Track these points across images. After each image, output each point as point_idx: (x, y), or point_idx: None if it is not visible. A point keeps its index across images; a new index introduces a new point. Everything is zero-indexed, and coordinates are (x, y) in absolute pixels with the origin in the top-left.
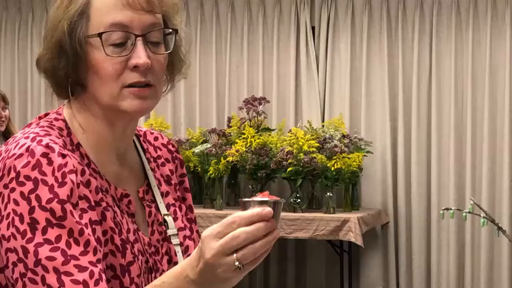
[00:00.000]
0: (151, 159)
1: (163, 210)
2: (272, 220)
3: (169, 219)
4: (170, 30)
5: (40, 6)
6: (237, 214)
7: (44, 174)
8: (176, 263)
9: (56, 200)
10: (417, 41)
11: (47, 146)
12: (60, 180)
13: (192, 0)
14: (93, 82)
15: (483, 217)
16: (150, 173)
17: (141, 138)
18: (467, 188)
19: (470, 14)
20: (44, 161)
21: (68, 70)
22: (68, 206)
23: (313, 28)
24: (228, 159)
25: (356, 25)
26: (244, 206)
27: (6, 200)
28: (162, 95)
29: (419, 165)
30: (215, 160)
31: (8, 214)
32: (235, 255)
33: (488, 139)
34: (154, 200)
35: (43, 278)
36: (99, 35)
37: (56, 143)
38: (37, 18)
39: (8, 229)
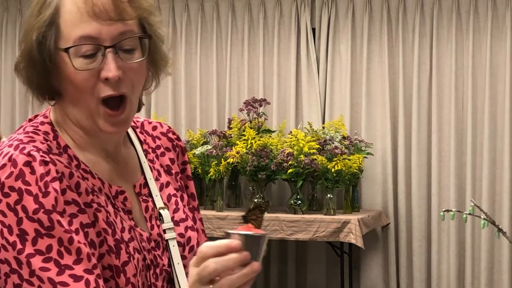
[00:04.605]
0: (149, 150)
1: (159, 204)
2: (246, 253)
3: (165, 213)
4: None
5: None
6: (207, 244)
7: (28, 184)
8: (183, 256)
9: (42, 210)
10: (418, 43)
11: (29, 154)
12: (43, 190)
13: (192, 1)
14: (69, 92)
15: (484, 218)
16: (146, 166)
17: (138, 130)
18: (467, 189)
19: (470, 15)
20: (27, 170)
21: (40, 80)
22: (55, 216)
23: (313, 30)
24: (228, 160)
25: (357, 27)
26: (228, 238)
27: None
28: (147, 92)
29: (419, 167)
30: (216, 162)
31: None
32: (211, 286)
33: (489, 140)
34: (151, 194)
35: None
36: (66, 50)
37: (39, 150)
38: None
39: None
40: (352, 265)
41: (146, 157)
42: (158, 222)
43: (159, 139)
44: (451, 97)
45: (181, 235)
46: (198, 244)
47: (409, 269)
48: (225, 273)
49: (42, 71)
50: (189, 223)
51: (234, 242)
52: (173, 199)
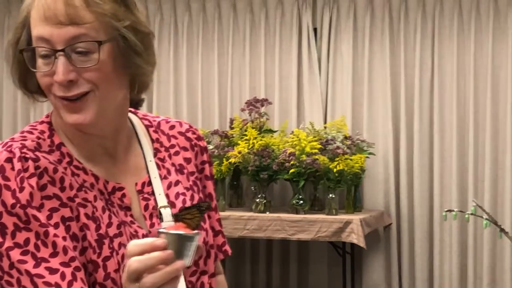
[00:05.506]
0: (162, 149)
1: (161, 203)
2: (169, 252)
3: (165, 211)
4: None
5: None
6: (134, 243)
7: (7, 179)
8: None
9: (18, 205)
10: (419, 43)
11: (11, 151)
12: (19, 185)
13: (194, 2)
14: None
15: (486, 219)
16: (152, 165)
17: (152, 129)
18: (469, 189)
19: (472, 15)
20: (8, 166)
21: (20, 80)
22: (30, 210)
23: (315, 30)
24: (230, 160)
25: (358, 27)
26: (158, 236)
27: None
28: (132, 95)
29: (421, 167)
30: (218, 162)
31: None
32: (137, 284)
33: (491, 140)
34: (154, 192)
35: (18, 281)
36: (21, 51)
37: (24, 147)
38: None
39: None
40: (354, 265)
41: (156, 155)
42: (159, 221)
43: (176, 138)
44: (452, 97)
45: None
46: (205, 244)
47: (411, 269)
48: (149, 271)
49: (18, 71)
50: None
51: (159, 240)
52: (181, 197)
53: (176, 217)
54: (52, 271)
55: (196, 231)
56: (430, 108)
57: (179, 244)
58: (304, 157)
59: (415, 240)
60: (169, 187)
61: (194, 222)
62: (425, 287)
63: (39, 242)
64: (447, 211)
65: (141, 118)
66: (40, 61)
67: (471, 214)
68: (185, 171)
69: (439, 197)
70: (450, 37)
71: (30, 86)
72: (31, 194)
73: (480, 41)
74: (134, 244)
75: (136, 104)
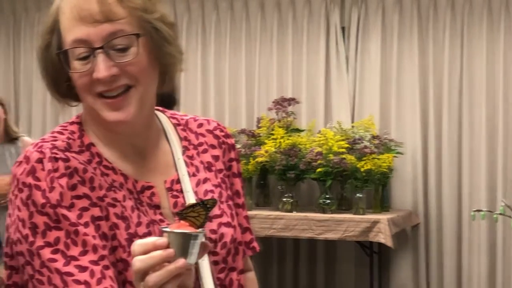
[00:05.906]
0: (190, 147)
1: (189, 200)
2: (170, 250)
3: None
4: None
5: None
6: (138, 242)
7: (37, 179)
8: (215, 252)
9: (48, 204)
10: (448, 41)
11: (41, 151)
12: (50, 185)
13: (222, 1)
14: (78, 93)
15: None
16: (180, 162)
17: (180, 127)
18: (498, 189)
19: (501, 13)
20: (38, 166)
21: (53, 83)
22: (60, 210)
23: (343, 29)
24: (257, 159)
25: (387, 25)
26: (162, 235)
27: (13, 206)
28: (160, 90)
29: (450, 166)
30: (245, 161)
31: (15, 220)
32: (142, 282)
33: None
34: (183, 190)
35: (49, 279)
36: (57, 54)
37: (54, 147)
38: None
39: (15, 233)
40: (381, 265)
41: (185, 153)
42: None
43: (204, 136)
44: (482, 96)
45: (212, 231)
46: (234, 241)
47: (439, 269)
48: (153, 270)
49: (50, 76)
50: (224, 219)
51: (160, 239)
52: (210, 195)
53: (179, 216)
54: (82, 269)
55: (200, 229)
56: (459, 107)
57: (182, 242)
58: (331, 156)
59: (443, 240)
60: (198, 184)
61: (199, 220)
62: (453, 287)
63: (69, 241)
64: (475, 211)
65: (169, 117)
66: (76, 63)
67: (500, 214)
68: (214, 168)
69: (468, 196)
70: (479, 36)
71: (62, 90)
72: (61, 194)
73: (509, 40)
74: (137, 244)
75: (167, 105)
